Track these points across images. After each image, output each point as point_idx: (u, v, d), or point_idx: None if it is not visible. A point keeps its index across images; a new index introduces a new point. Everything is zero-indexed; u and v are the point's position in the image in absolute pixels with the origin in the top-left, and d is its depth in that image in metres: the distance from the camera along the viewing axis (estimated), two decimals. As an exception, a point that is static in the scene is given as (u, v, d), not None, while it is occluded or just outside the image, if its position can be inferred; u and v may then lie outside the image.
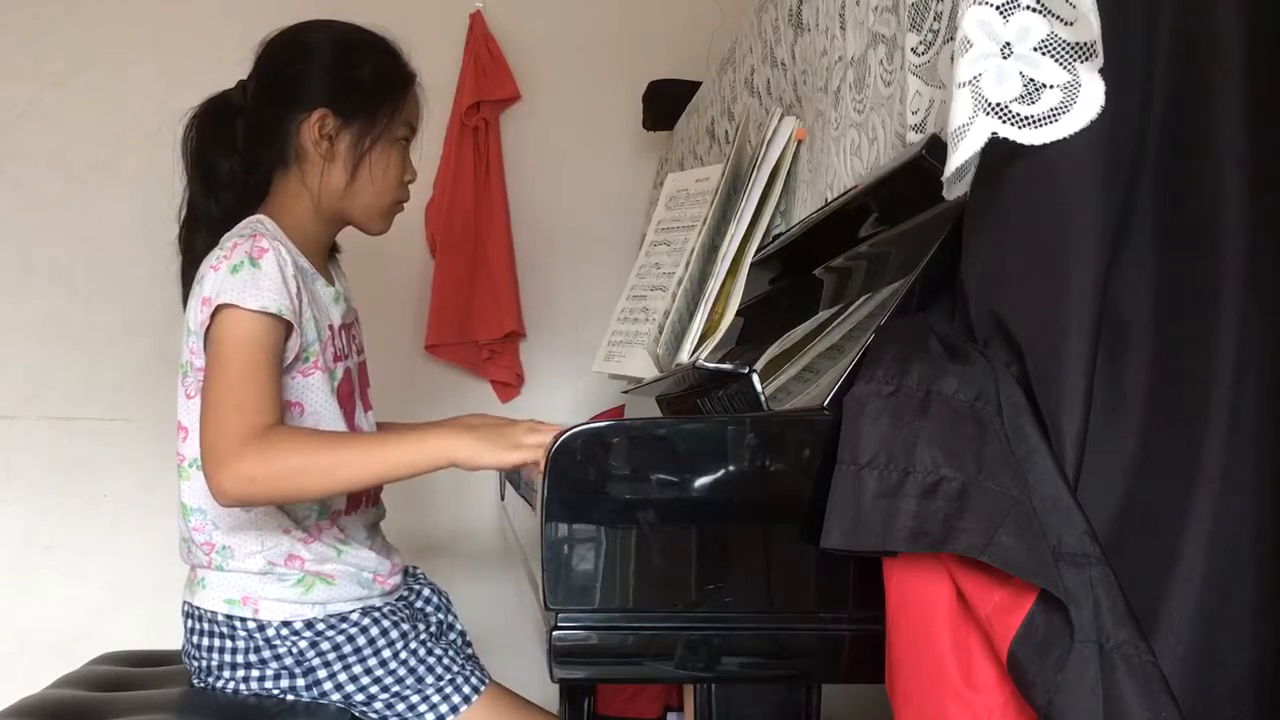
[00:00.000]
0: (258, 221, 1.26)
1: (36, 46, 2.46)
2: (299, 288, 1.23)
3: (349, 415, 1.32)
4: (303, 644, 1.25)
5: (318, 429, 1.27)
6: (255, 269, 1.18)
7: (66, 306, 2.45)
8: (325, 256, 1.38)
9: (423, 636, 1.31)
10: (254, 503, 1.20)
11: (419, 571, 1.47)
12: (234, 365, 1.15)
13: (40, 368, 2.45)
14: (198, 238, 1.29)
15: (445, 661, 1.30)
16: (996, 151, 0.74)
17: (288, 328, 1.21)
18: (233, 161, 1.30)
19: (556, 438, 0.92)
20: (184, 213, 1.33)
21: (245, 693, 1.26)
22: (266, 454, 1.12)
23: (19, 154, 2.46)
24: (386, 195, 1.34)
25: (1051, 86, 0.72)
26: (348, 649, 1.26)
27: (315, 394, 1.27)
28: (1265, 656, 0.73)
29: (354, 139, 1.30)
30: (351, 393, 1.35)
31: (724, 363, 1.19)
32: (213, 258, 1.21)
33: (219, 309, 1.17)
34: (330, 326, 1.31)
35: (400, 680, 1.27)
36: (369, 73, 1.31)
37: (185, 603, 1.30)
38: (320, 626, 1.26)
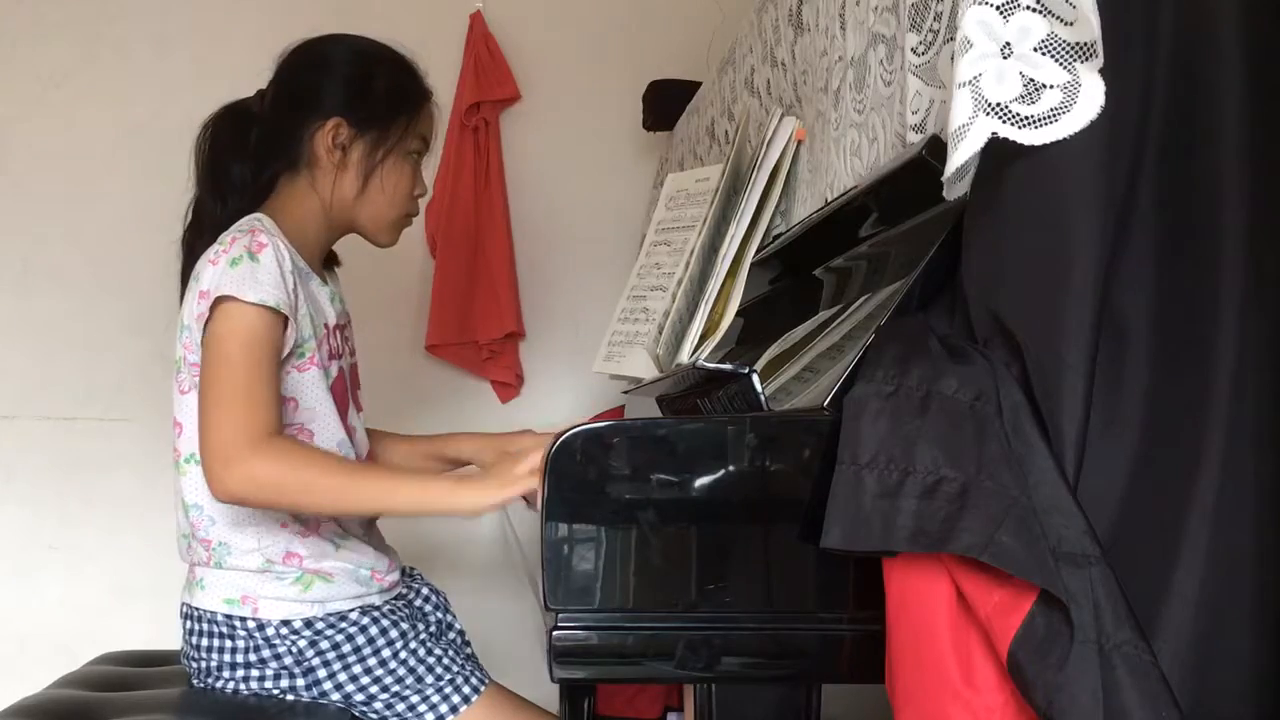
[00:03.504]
0: (255, 219, 1.27)
1: (37, 46, 2.46)
2: (295, 283, 1.23)
3: (342, 414, 1.32)
4: (302, 643, 1.25)
5: (323, 449, 1.28)
6: (254, 263, 1.18)
7: (66, 306, 2.45)
8: (321, 259, 1.38)
9: (422, 636, 1.31)
10: (251, 504, 1.21)
11: (416, 572, 1.47)
12: (238, 361, 1.16)
13: (40, 368, 2.45)
14: (201, 240, 1.30)
15: (445, 661, 1.30)
16: (996, 152, 0.74)
17: (284, 322, 1.21)
18: (244, 166, 1.31)
19: (556, 438, 0.92)
20: (190, 215, 1.34)
21: (245, 693, 1.26)
22: (277, 461, 1.14)
23: (20, 154, 2.46)
24: (396, 207, 1.36)
25: (1051, 86, 0.72)
26: (347, 648, 1.26)
27: (310, 390, 1.27)
28: (1265, 656, 0.73)
29: (367, 149, 1.31)
30: (345, 392, 1.35)
31: (724, 363, 1.19)
32: (210, 253, 1.22)
33: (218, 301, 1.18)
34: (325, 325, 1.32)
35: (400, 680, 1.27)
36: (385, 85, 1.33)
37: (184, 604, 1.30)
38: (320, 625, 1.26)
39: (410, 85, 1.36)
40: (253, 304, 1.17)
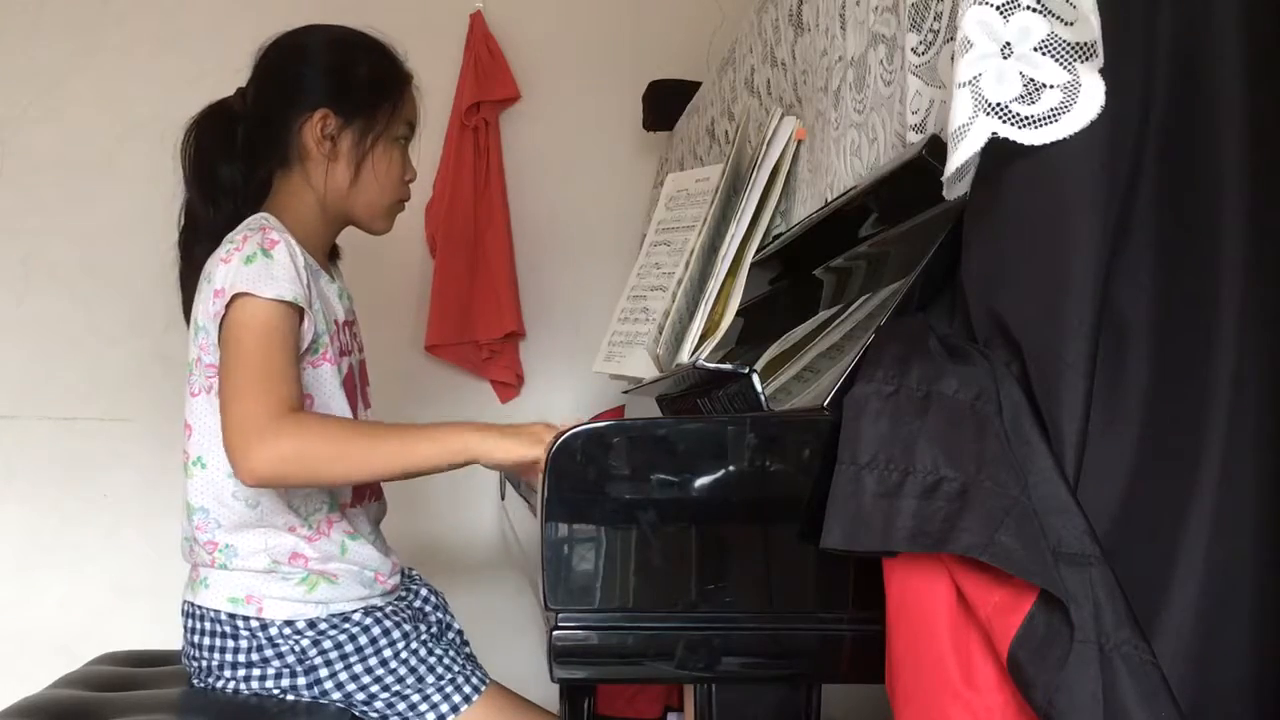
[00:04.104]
0: (262, 218, 1.27)
1: (37, 46, 2.46)
2: (308, 279, 1.24)
3: (352, 410, 1.33)
4: (305, 642, 1.25)
5: (341, 417, 1.28)
6: (268, 259, 1.19)
7: (66, 306, 2.45)
8: (327, 254, 1.39)
9: (424, 636, 1.31)
10: (281, 484, 1.20)
11: (415, 573, 1.47)
12: (256, 350, 1.16)
13: (40, 368, 2.45)
14: (197, 244, 1.30)
15: (446, 661, 1.30)
16: (996, 152, 0.74)
17: (301, 315, 1.21)
18: (233, 167, 1.31)
19: (557, 437, 0.92)
20: (183, 220, 1.34)
21: (245, 692, 1.26)
22: (301, 435, 1.13)
23: (19, 154, 2.45)
24: (389, 193, 1.36)
25: (1051, 86, 0.72)
26: (349, 648, 1.26)
27: (325, 385, 1.28)
28: (1265, 656, 0.73)
29: (356, 138, 1.31)
30: (354, 389, 1.35)
31: (724, 363, 1.19)
32: (221, 252, 1.22)
33: (235, 298, 1.18)
34: (335, 321, 1.32)
35: (401, 680, 1.27)
36: (367, 72, 1.32)
37: (186, 602, 1.30)
38: (323, 626, 1.26)
39: (392, 70, 1.36)
40: (270, 299, 1.17)
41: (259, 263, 1.18)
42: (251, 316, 1.17)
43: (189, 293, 1.29)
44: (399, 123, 1.35)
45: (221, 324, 1.20)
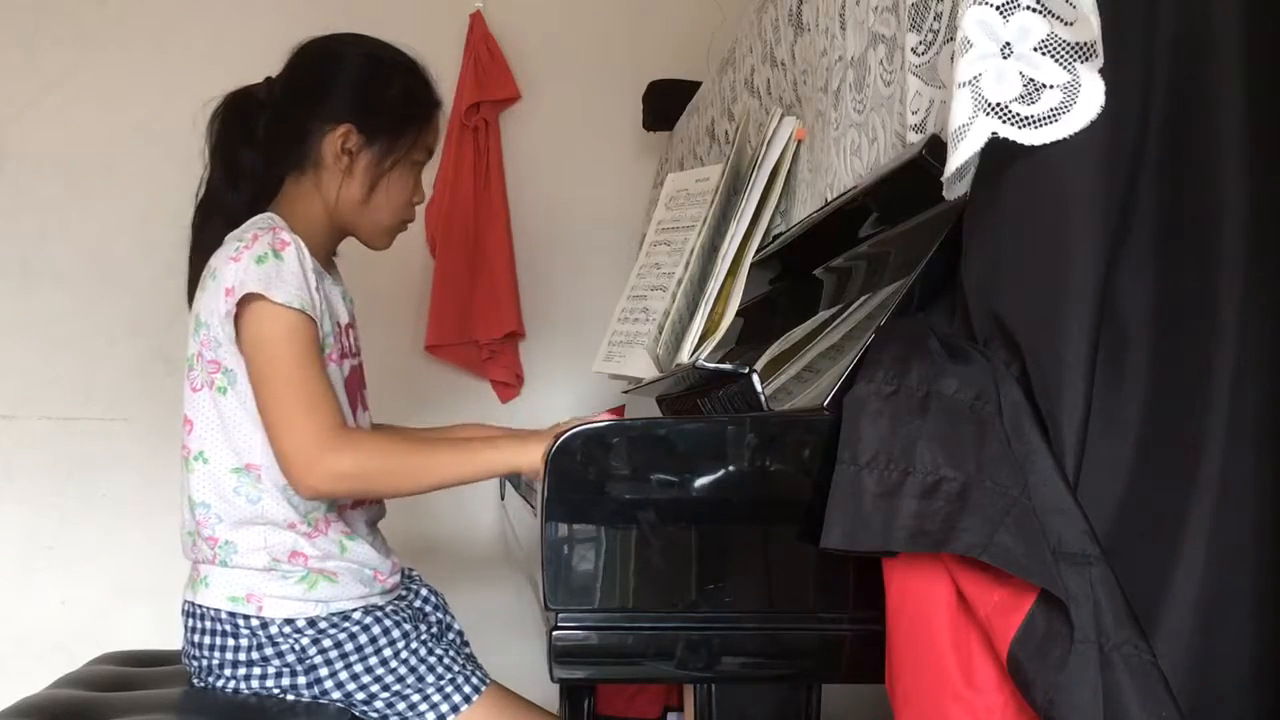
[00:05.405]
0: (270, 218, 1.27)
1: (37, 46, 2.46)
2: (316, 282, 1.24)
3: (351, 413, 1.32)
4: (305, 641, 1.25)
5: (388, 434, 1.32)
6: (279, 261, 1.19)
7: (66, 306, 2.45)
8: (329, 259, 1.39)
9: (424, 636, 1.31)
10: (339, 496, 1.26)
11: (415, 573, 1.47)
12: (290, 363, 1.18)
13: (40, 368, 2.45)
14: (210, 224, 1.30)
15: (446, 661, 1.30)
16: (996, 151, 0.74)
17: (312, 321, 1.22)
18: (255, 154, 1.31)
19: (556, 438, 0.92)
20: (201, 196, 1.34)
21: (245, 692, 1.26)
22: (358, 453, 1.18)
23: (19, 154, 2.46)
24: (396, 215, 1.36)
25: (1051, 86, 0.72)
26: (349, 647, 1.26)
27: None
28: (1265, 656, 0.73)
29: (375, 158, 1.31)
30: (354, 391, 1.35)
31: (724, 363, 1.19)
32: (229, 249, 1.22)
33: (247, 300, 1.18)
34: (338, 324, 1.32)
35: (401, 679, 1.27)
36: (398, 94, 1.32)
37: (186, 602, 1.30)
38: (323, 625, 1.26)
39: (423, 95, 1.35)
40: (282, 304, 1.18)
41: (270, 264, 1.18)
42: (275, 325, 1.18)
43: (195, 272, 1.29)
44: (420, 148, 1.35)
45: (238, 327, 1.20)
